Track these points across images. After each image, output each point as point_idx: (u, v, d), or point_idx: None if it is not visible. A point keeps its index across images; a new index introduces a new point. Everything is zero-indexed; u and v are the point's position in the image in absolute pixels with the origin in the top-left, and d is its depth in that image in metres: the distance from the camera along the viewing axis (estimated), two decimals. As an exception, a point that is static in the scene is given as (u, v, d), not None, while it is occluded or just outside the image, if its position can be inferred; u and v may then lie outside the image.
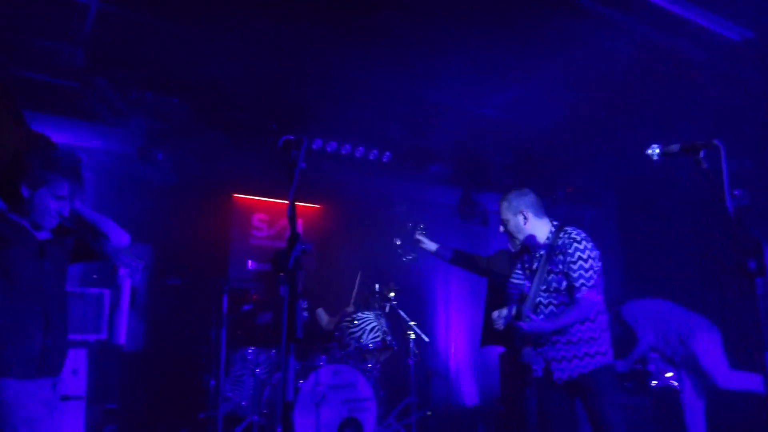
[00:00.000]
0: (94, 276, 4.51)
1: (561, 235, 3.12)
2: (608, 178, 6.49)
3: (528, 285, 3.18)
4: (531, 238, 3.20)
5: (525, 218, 3.20)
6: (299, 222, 6.58)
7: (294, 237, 2.36)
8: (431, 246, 4.49)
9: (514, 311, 3.16)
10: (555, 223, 3.24)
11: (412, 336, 5.40)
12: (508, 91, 5.04)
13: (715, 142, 2.15)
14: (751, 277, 1.86)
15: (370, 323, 5.07)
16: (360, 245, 6.39)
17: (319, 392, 4.52)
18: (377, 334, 5.04)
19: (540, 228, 3.21)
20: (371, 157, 5.98)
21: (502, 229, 3.33)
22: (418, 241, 4.43)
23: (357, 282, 5.40)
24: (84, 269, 4.70)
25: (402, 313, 5.44)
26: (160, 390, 4.94)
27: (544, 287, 3.10)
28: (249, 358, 4.83)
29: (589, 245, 3.06)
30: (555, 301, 3.08)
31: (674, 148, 2.30)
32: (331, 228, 6.53)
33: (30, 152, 2.54)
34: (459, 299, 7.08)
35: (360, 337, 5.00)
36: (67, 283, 2.68)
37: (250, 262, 6.12)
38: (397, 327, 5.44)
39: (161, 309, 5.35)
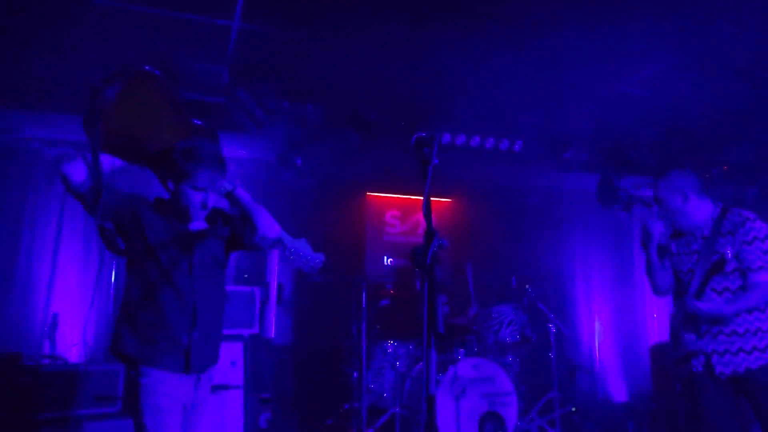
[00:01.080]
0: (246, 275, 4.87)
1: (728, 215, 2.95)
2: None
3: (692, 268, 2.98)
4: (692, 219, 3.01)
5: (685, 198, 3.00)
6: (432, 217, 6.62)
7: (431, 233, 2.38)
8: None
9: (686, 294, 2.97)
10: (720, 204, 3.04)
11: (553, 329, 5.25)
12: (648, 67, 4.70)
13: None
14: None
15: (507, 316, 5.02)
16: (494, 237, 6.32)
17: (458, 385, 4.54)
18: (515, 327, 4.98)
19: (702, 209, 3.02)
20: (502, 147, 5.86)
21: (658, 209, 3.13)
22: None
23: (469, 277, 5.36)
24: (237, 269, 5.08)
25: (541, 305, 5.32)
26: (307, 381, 5.22)
27: (711, 270, 2.89)
28: (389, 351, 4.96)
29: (764, 225, 2.87)
30: (724, 287, 2.88)
31: None
32: (464, 221, 6.50)
33: (174, 145, 2.50)
34: (602, 288, 6.76)
35: (498, 330, 4.97)
36: (225, 274, 2.65)
37: (385, 257, 6.27)
38: (536, 320, 5.34)
39: (306, 305, 5.65)
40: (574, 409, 5.08)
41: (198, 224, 2.60)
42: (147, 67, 2.51)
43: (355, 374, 4.90)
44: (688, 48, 4.29)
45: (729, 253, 2.85)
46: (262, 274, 4.60)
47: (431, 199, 2.46)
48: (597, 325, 6.58)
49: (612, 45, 4.26)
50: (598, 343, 6.51)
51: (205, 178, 2.48)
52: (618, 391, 6.37)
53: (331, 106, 5.34)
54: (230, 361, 4.28)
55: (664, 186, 3.07)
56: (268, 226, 2.66)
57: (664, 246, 3.21)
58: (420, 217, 6.57)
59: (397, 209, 6.52)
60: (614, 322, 6.66)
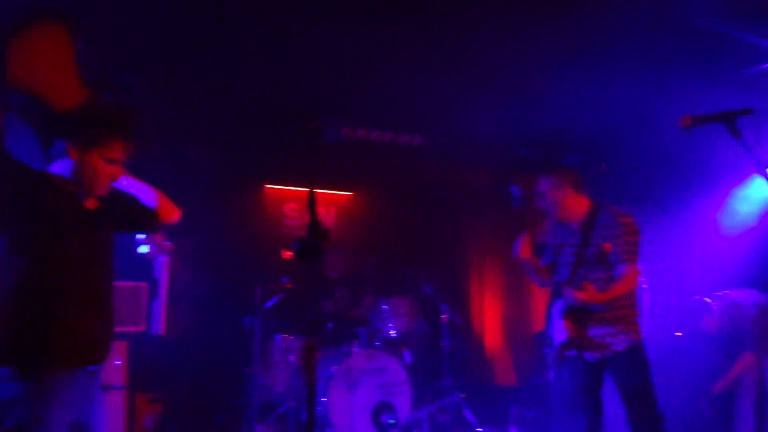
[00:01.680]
0: (132, 269, 4.63)
1: (602, 210, 3.18)
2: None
3: (569, 260, 3.19)
4: (571, 213, 3.23)
5: (565, 192, 3.21)
6: (332, 210, 6.62)
7: (314, 224, 2.36)
8: None
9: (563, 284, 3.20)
10: (596, 199, 3.27)
11: (446, 319, 5.40)
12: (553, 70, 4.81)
13: (748, 108, 2.10)
14: None
15: (402, 307, 5.13)
16: (393, 230, 6.40)
17: (352, 377, 4.58)
18: (409, 318, 5.10)
19: (580, 204, 3.24)
20: (400, 142, 5.97)
21: (538, 204, 3.32)
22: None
23: (371, 269, 5.45)
24: (122, 263, 4.82)
25: (435, 296, 5.46)
26: (198, 379, 5.07)
27: (586, 262, 3.12)
28: (284, 345, 4.91)
29: (631, 220, 3.13)
30: (597, 277, 3.09)
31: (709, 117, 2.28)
32: (365, 215, 6.54)
33: (82, 107, 2.18)
34: (494, 279, 7.04)
35: (392, 322, 5.05)
36: (113, 257, 2.36)
37: (282, 251, 6.19)
38: (430, 311, 5.47)
39: (198, 300, 5.47)
40: (464, 395, 5.26)
41: (96, 201, 2.33)
42: (49, 10, 2.16)
43: (247, 370, 4.81)
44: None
45: (602, 246, 3.07)
46: (149, 269, 4.40)
47: (333, 192, 2.44)
48: (489, 314, 6.85)
49: (518, 46, 4.41)
50: (489, 332, 6.78)
51: (119, 149, 2.23)
52: (506, 377, 6.67)
53: (226, 94, 5.21)
54: (113, 360, 4.07)
55: (546, 181, 3.26)
56: (168, 209, 2.57)
57: (543, 243, 3.42)
58: (320, 209, 6.54)
59: (296, 202, 6.45)
60: (504, 311, 6.95)
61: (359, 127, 5.78)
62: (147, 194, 2.58)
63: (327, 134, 5.55)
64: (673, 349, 5.24)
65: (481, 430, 5.15)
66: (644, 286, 3.17)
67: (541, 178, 3.31)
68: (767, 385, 4.63)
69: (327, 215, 6.48)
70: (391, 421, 4.58)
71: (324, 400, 4.45)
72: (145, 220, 2.54)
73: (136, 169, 2.49)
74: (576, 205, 3.23)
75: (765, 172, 2.15)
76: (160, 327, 4.72)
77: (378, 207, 6.52)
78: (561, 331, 3.12)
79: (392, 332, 5.04)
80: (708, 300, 4.66)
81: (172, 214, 2.61)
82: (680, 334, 5.57)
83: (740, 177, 5.11)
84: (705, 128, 2.32)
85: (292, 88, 5.06)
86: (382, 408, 4.59)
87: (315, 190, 2.35)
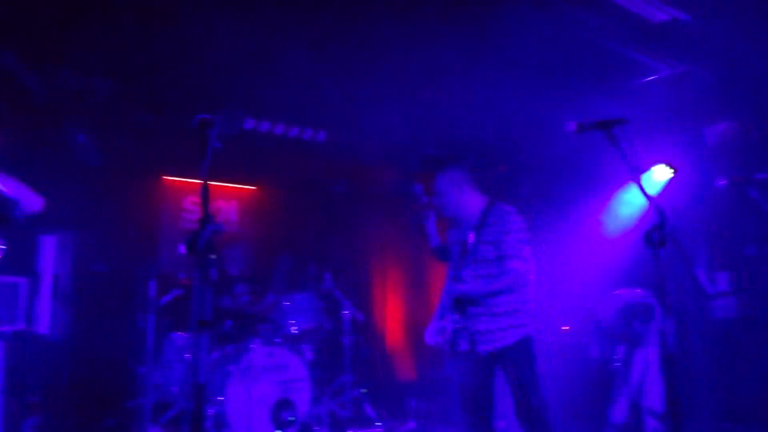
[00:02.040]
0: (9, 264, 4.30)
1: (493, 208, 3.25)
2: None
3: (461, 255, 3.29)
4: (465, 210, 3.30)
5: (461, 190, 3.29)
6: (234, 204, 6.46)
7: (205, 218, 2.30)
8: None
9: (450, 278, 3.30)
10: (488, 197, 3.35)
11: (348, 315, 5.43)
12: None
13: (625, 117, 2.25)
14: (655, 247, 1.98)
15: (303, 304, 5.09)
16: (298, 225, 6.36)
17: (251, 375, 4.50)
18: (311, 315, 5.07)
19: (474, 201, 3.32)
20: (305, 137, 5.92)
21: (434, 201, 3.39)
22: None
23: (277, 265, 5.41)
24: None
25: (337, 292, 5.47)
26: (86, 380, 4.80)
27: (476, 257, 3.19)
28: (179, 344, 4.74)
29: (521, 218, 3.21)
30: (484, 272, 3.17)
31: (588, 124, 2.42)
32: (269, 209, 6.45)
33: None
34: (397, 275, 7.15)
35: (294, 318, 5.00)
36: None
37: (181, 246, 5.99)
38: (332, 307, 5.47)
39: (87, 297, 5.18)
40: (364, 390, 5.31)
41: None
42: None
43: (141, 369, 4.61)
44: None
45: (492, 243, 3.17)
46: (29, 263, 4.11)
47: (235, 186, 2.38)
48: (390, 310, 6.95)
49: (424, 49, 4.48)
50: (390, 327, 6.89)
51: None
52: (407, 373, 6.80)
53: (124, 82, 4.96)
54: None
55: (442, 179, 3.35)
56: (30, 199, 2.50)
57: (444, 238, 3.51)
58: (221, 203, 6.38)
59: (196, 195, 6.25)
60: (405, 306, 7.08)
61: (264, 120, 5.67)
62: (4, 183, 2.43)
63: (230, 126, 5.41)
64: (562, 343, 5.57)
65: (380, 424, 5.22)
66: (532, 280, 3.27)
67: (439, 176, 3.38)
68: (646, 375, 5.03)
69: (229, 209, 6.33)
70: (291, 418, 4.55)
71: (221, 399, 4.34)
72: (3, 209, 2.40)
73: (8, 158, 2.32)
74: (472, 204, 3.33)
75: (638, 178, 2.31)
76: (43, 325, 4.42)
77: (282, 202, 6.46)
78: (451, 326, 3.20)
79: (293, 329, 4.99)
80: (598, 297, 5.01)
81: (33, 203, 2.48)
82: (567, 328, 5.91)
83: (621, 182, 5.48)
84: (595, 135, 2.48)
85: (195, 76, 4.89)
86: (282, 405, 4.54)
87: (216, 183, 2.29)
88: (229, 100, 5.27)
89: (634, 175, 2.32)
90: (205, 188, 2.34)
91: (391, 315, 7.05)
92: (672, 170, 5.32)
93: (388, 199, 6.75)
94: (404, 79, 4.96)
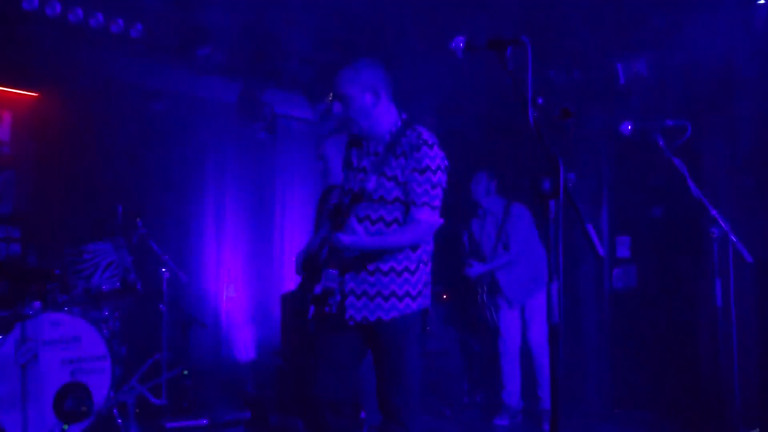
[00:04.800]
0: None
1: (408, 132, 3.02)
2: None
3: (352, 192, 3.07)
4: (377, 126, 3.06)
5: (377, 97, 3.03)
6: (5, 116, 5.95)
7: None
8: None
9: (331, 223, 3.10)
10: (404, 115, 3.13)
11: (167, 275, 5.34)
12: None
13: (523, 38, 2.27)
14: (543, 198, 2.04)
15: (105, 257, 4.94)
16: (98, 150, 6.00)
17: (28, 350, 4.35)
18: (116, 271, 4.94)
19: (388, 116, 3.08)
20: (114, 30, 5.53)
21: (338, 110, 3.08)
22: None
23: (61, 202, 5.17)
24: None
25: (153, 243, 5.35)
26: None
27: (372, 195, 2.99)
28: None
29: (442, 154, 3.00)
30: (379, 216, 3.01)
31: (479, 43, 2.42)
32: (56, 125, 6.00)
33: None
34: (236, 229, 7.05)
35: (91, 275, 4.88)
36: None
37: None
38: (146, 262, 5.36)
39: None
40: (185, 371, 5.26)
41: None
42: None
43: None
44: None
45: (396, 177, 2.95)
46: None
47: (5, 90, 2.12)
48: (226, 270, 6.87)
49: None
50: (226, 294, 6.82)
51: None
52: (245, 348, 6.81)
53: None
54: None
55: (349, 78, 3.04)
56: None
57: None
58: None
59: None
60: (247, 266, 7.03)
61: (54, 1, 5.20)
62: None
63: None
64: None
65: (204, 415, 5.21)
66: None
67: (344, 73, 3.05)
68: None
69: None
70: (83, 409, 4.43)
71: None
72: None
73: None
74: (386, 121, 3.06)
75: (533, 114, 2.29)
76: None
77: (75, 115, 6.02)
78: (319, 283, 3.01)
79: (90, 290, 4.84)
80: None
81: None
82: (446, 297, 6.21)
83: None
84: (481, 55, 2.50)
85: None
86: (70, 391, 4.43)
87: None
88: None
89: (529, 110, 2.29)
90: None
91: (228, 275, 6.96)
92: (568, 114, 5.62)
93: (230, 120, 6.57)
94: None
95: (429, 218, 2.98)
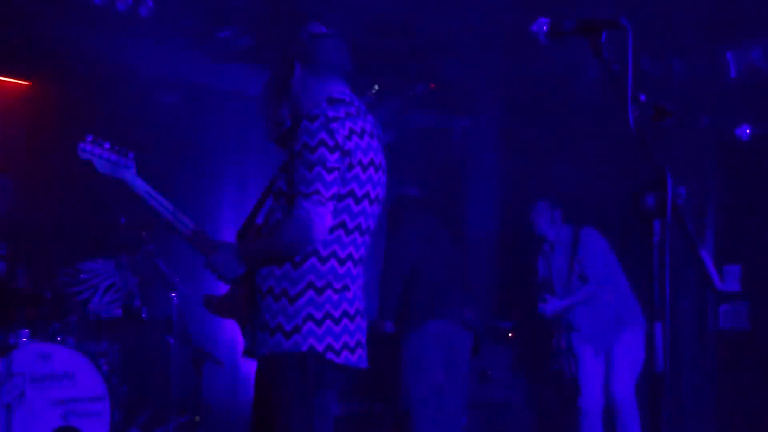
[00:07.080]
0: None
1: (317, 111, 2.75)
2: (490, 75, 6.73)
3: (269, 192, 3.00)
4: (301, 110, 2.89)
5: (291, 69, 2.91)
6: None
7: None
8: None
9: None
10: (341, 93, 2.89)
11: (178, 300, 5.37)
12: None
13: (622, 21, 2.25)
14: (646, 217, 2.01)
15: (105, 279, 5.06)
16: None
17: (13, 388, 4.44)
18: (117, 295, 5.08)
19: (315, 94, 2.88)
20: (121, 8, 5.69)
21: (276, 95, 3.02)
22: None
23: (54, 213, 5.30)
24: None
25: (161, 263, 5.38)
26: None
27: (273, 193, 2.89)
28: None
29: (317, 124, 2.68)
30: (274, 219, 2.85)
31: (568, 25, 2.38)
32: (50, 119, 6.20)
33: None
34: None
35: (88, 300, 5.04)
36: None
37: None
38: (152, 285, 5.45)
39: None
40: (197, 418, 5.31)
41: None
42: None
43: None
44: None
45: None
46: None
47: None
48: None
49: None
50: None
51: None
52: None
53: None
54: None
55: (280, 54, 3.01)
56: None
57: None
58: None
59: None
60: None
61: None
62: None
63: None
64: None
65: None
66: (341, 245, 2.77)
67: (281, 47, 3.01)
68: None
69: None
70: (75, 459, 4.53)
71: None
72: None
73: None
74: (307, 92, 2.90)
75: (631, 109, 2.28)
76: None
77: (72, 107, 6.19)
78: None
79: (87, 317, 4.97)
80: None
81: None
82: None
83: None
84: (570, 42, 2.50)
85: None
86: None
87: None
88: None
89: (628, 110, 2.26)
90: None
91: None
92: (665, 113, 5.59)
93: (253, 115, 6.67)
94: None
95: (308, 212, 2.60)
